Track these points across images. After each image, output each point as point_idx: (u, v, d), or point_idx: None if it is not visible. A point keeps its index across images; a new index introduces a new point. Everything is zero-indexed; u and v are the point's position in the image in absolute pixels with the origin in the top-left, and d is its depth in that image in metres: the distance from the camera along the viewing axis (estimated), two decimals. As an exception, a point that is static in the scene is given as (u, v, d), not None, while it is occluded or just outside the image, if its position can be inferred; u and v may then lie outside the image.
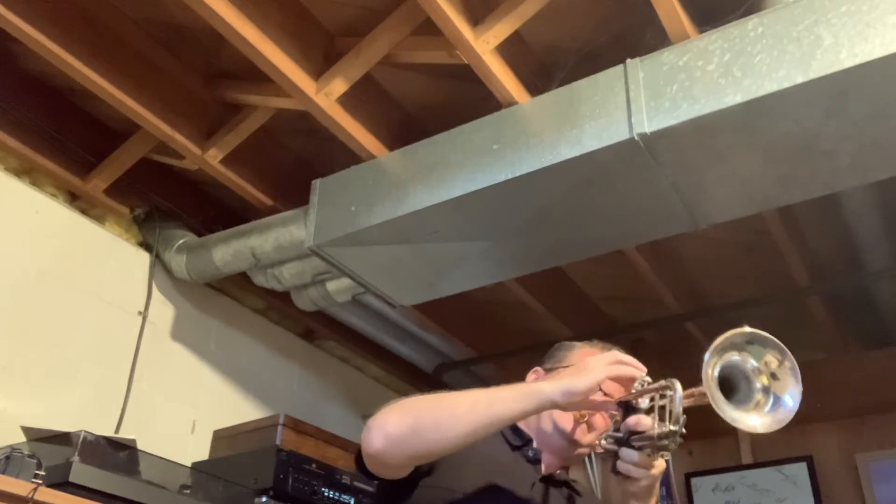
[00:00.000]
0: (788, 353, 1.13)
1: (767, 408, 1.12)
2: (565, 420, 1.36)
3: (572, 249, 2.20)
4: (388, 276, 2.29)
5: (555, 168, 1.80)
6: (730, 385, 1.13)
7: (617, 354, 1.23)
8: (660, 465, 1.19)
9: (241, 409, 2.68)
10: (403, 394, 3.79)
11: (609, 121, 1.75)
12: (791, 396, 1.12)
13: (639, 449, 1.17)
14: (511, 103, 1.97)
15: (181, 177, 2.58)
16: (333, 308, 2.70)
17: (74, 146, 2.33)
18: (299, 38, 1.94)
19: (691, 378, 1.13)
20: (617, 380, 1.21)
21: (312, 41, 1.98)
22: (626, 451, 1.18)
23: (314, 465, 2.30)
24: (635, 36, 1.86)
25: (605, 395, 1.24)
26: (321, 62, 1.99)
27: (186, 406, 2.52)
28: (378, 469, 1.24)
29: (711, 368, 1.10)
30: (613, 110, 1.75)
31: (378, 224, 2.04)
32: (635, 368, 1.20)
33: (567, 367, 1.39)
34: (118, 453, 1.84)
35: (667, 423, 1.11)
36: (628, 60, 1.79)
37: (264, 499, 2.07)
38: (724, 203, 1.92)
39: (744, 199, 1.91)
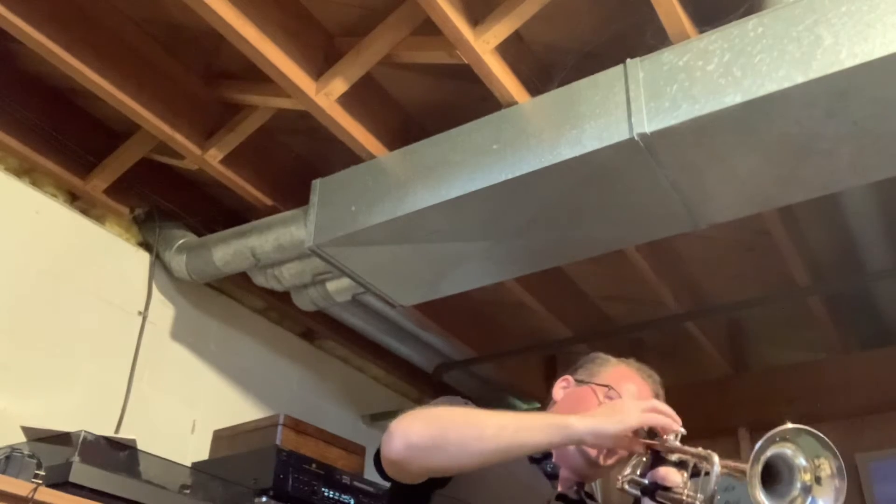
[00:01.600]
0: (843, 467, 1.12)
1: None
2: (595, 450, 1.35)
3: (572, 249, 2.20)
4: (388, 276, 2.29)
5: (555, 168, 1.80)
6: (771, 473, 1.10)
7: (655, 403, 1.21)
8: None
9: (241, 409, 2.68)
10: (403, 394, 3.81)
11: (609, 121, 1.75)
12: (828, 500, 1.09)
13: (655, 500, 1.15)
14: (511, 103, 1.97)
15: (181, 177, 2.57)
16: (333, 308, 2.70)
17: (74, 146, 2.33)
18: (299, 38, 1.94)
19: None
20: (650, 428, 1.19)
21: (312, 41, 1.98)
22: (646, 501, 1.17)
23: (314, 465, 2.30)
24: (635, 36, 1.86)
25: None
26: (321, 62, 1.99)
27: (186, 406, 2.52)
28: (395, 473, 1.23)
29: (762, 454, 1.07)
30: (613, 110, 1.75)
31: (378, 224, 2.03)
32: (672, 421, 1.18)
33: (600, 385, 1.39)
34: (118, 453, 1.84)
35: (697, 495, 1.10)
36: (628, 60, 1.79)
37: (264, 499, 2.07)
38: (724, 203, 1.92)
39: (744, 199, 1.90)
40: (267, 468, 2.16)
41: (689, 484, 1.13)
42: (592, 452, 1.33)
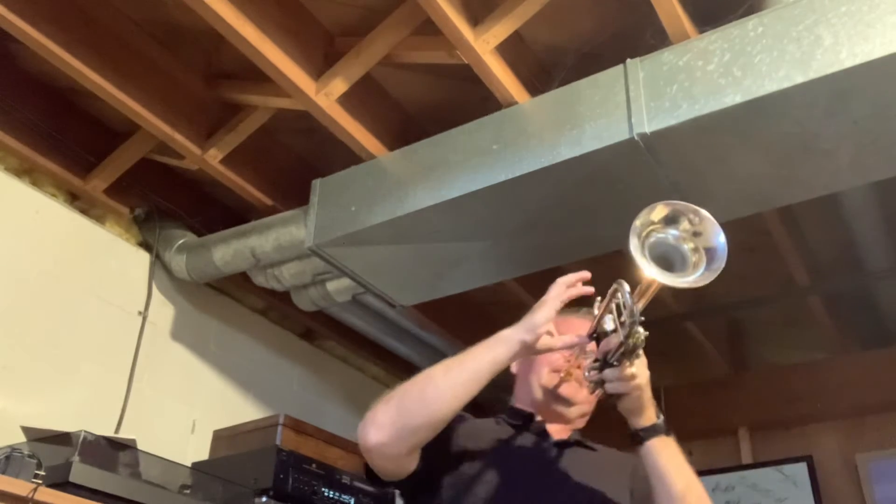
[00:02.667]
0: (699, 209, 1.15)
1: (706, 261, 1.13)
2: (552, 380, 1.40)
3: (572, 249, 2.20)
4: (388, 276, 2.29)
5: (555, 168, 1.80)
6: (667, 261, 1.16)
7: (562, 279, 1.27)
8: (642, 373, 1.20)
9: (241, 409, 2.68)
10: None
11: (609, 121, 1.75)
12: (717, 239, 1.13)
13: (615, 365, 1.19)
14: (511, 103, 1.97)
15: (181, 177, 2.58)
16: (333, 308, 2.69)
17: (74, 146, 2.33)
18: (299, 38, 1.94)
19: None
20: (574, 297, 1.25)
21: (312, 41, 1.98)
22: (607, 372, 1.20)
23: (314, 465, 2.30)
24: (635, 36, 1.86)
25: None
26: (321, 62, 1.99)
27: (186, 406, 2.52)
28: (385, 463, 1.26)
29: (641, 254, 1.14)
30: (613, 110, 1.76)
31: (378, 224, 2.04)
32: (583, 287, 1.25)
33: None
34: (118, 453, 1.84)
35: (626, 323, 1.14)
36: (628, 60, 1.79)
37: (264, 499, 2.07)
38: (724, 203, 1.92)
39: (744, 199, 1.91)
40: (267, 468, 2.16)
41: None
42: (553, 384, 1.39)
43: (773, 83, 1.56)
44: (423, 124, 2.24)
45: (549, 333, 1.25)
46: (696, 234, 1.15)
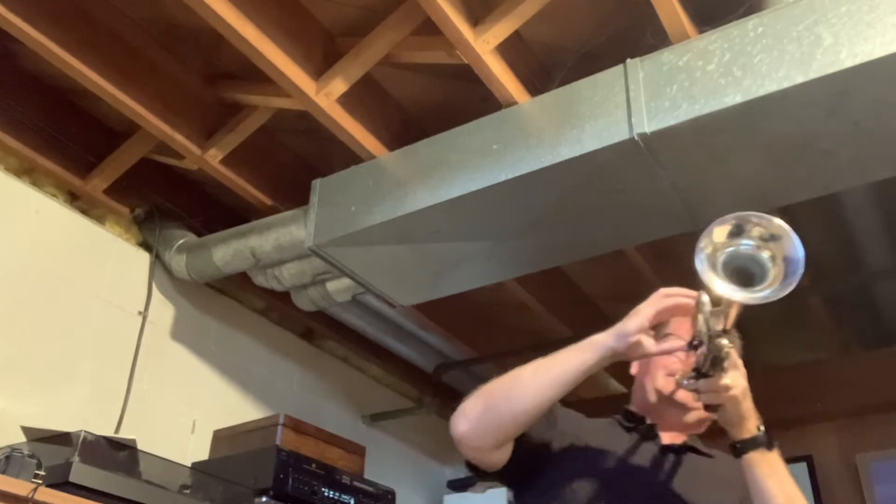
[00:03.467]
0: (763, 214, 1.12)
1: (784, 272, 1.09)
2: (667, 385, 1.38)
3: (572, 249, 2.20)
4: (388, 276, 2.29)
5: (555, 168, 1.80)
6: (746, 274, 1.12)
7: (662, 290, 1.24)
8: (737, 384, 1.17)
9: (241, 409, 2.68)
10: (403, 394, 3.82)
11: (609, 121, 1.75)
12: (795, 247, 1.09)
13: (709, 375, 1.17)
14: (511, 103, 1.97)
15: (181, 177, 2.57)
16: (333, 308, 2.70)
17: (74, 146, 2.33)
18: (299, 38, 1.94)
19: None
20: (672, 313, 1.22)
21: (312, 41, 1.98)
22: (700, 382, 1.18)
23: (314, 465, 2.30)
24: (635, 36, 1.86)
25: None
26: (321, 62, 1.99)
27: (186, 406, 2.52)
28: (474, 455, 1.30)
29: (712, 272, 1.10)
30: (613, 110, 1.75)
31: (378, 224, 2.03)
32: (683, 297, 1.20)
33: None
34: (118, 453, 1.84)
35: (706, 340, 1.12)
36: (628, 60, 1.79)
37: (264, 499, 2.07)
38: (724, 203, 1.91)
39: (744, 199, 1.90)
40: (267, 468, 2.16)
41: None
42: (670, 389, 1.36)
43: (773, 83, 1.56)
44: (423, 124, 2.24)
45: (652, 337, 1.23)
46: (772, 238, 1.12)
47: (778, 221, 1.11)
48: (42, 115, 2.25)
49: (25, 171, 2.28)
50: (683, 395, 1.36)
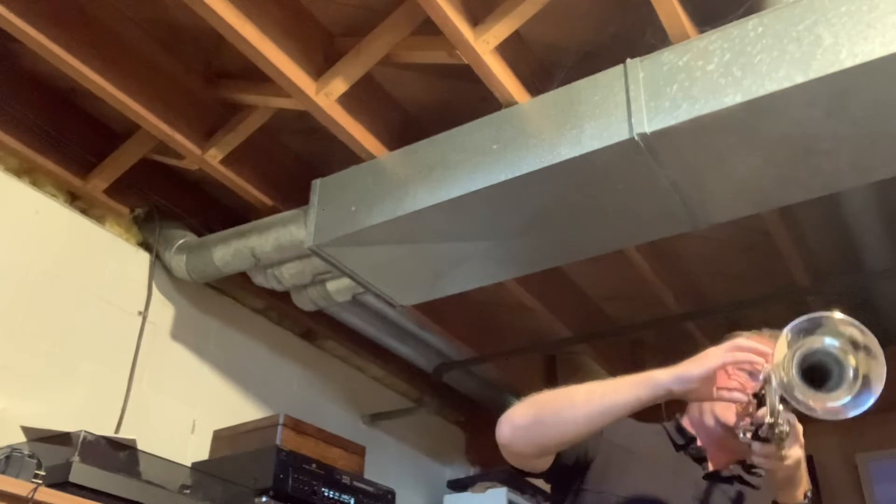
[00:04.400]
0: (866, 329, 1.08)
1: (860, 389, 1.05)
2: (728, 413, 1.36)
3: (572, 249, 2.20)
4: (388, 276, 2.29)
5: (555, 168, 1.80)
6: (821, 371, 1.08)
7: (738, 341, 1.22)
8: (793, 455, 1.16)
9: (241, 409, 2.68)
10: (403, 394, 3.82)
11: (609, 121, 1.75)
12: (882, 373, 1.05)
13: (764, 440, 1.15)
14: (511, 103, 1.97)
15: (181, 177, 2.57)
16: (333, 308, 2.69)
17: (74, 146, 2.33)
18: (299, 38, 1.94)
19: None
20: (740, 368, 1.22)
21: (312, 41, 1.98)
22: (754, 445, 1.17)
23: (314, 465, 2.30)
24: (635, 36, 1.86)
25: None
26: (321, 62, 1.99)
27: (186, 406, 2.52)
28: (515, 460, 1.32)
29: (791, 363, 1.07)
30: (613, 110, 1.75)
31: (378, 224, 2.03)
32: (754, 354, 1.18)
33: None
34: (118, 453, 1.84)
35: (768, 415, 1.10)
36: (628, 60, 1.79)
37: (264, 499, 2.07)
38: (724, 203, 1.92)
39: (744, 199, 1.90)
40: (267, 468, 2.16)
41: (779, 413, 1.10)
42: (731, 420, 1.33)
43: (773, 83, 1.56)
44: (423, 124, 2.24)
45: (710, 386, 1.21)
46: (867, 350, 1.07)
47: (875, 339, 1.07)
48: (42, 115, 2.25)
49: (25, 171, 2.28)
50: (736, 422, 1.34)
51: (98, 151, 2.38)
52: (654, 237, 2.15)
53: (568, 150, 1.78)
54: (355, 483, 2.42)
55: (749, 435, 1.19)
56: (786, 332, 1.09)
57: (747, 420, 1.23)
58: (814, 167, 1.76)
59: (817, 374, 1.09)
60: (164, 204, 2.56)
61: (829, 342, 1.09)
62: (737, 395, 1.23)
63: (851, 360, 1.07)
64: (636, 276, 2.74)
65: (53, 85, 2.24)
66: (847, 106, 1.57)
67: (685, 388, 1.18)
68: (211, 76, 2.23)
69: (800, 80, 1.53)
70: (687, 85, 1.67)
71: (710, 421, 1.39)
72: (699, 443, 1.41)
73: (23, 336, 2.13)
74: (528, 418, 1.27)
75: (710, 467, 1.38)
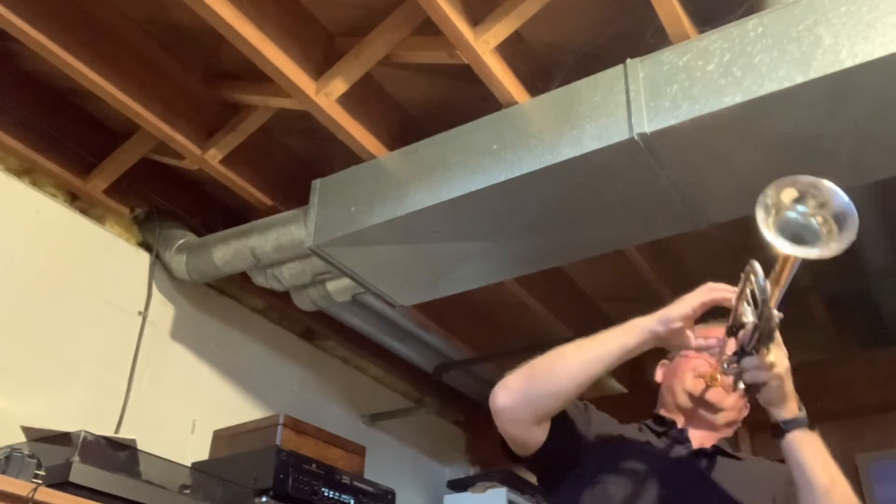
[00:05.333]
0: (817, 179, 1.11)
1: (838, 229, 1.08)
2: (696, 386, 1.39)
3: (572, 249, 2.20)
4: (388, 276, 2.29)
5: (555, 168, 1.80)
6: (798, 239, 1.11)
7: (710, 284, 1.26)
8: (781, 362, 1.19)
9: (241, 409, 2.68)
10: (403, 394, 3.81)
11: (609, 121, 1.75)
12: (839, 200, 1.08)
13: (754, 352, 1.16)
14: (511, 103, 1.97)
15: (181, 177, 2.57)
16: (333, 308, 2.69)
17: (74, 146, 2.33)
18: (299, 38, 1.94)
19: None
20: (714, 305, 1.23)
21: (312, 41, 1.98)
22: (745, 361, 1.18)
23: (314, 465, 2.29)
24: (635, 36, 1.86)
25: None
26: (321, 62, 1.99)
27: (186, 406, 2.52)
28: (511, 428, 1.32)
29: (772, 232, 1.09)
30: (613, 110, 1.75)
31: (378, 224, 2.03)
32: (727, 292, 1.22)
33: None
34: (118, 453, 1.84)
35: (759, 305, 1.11)
36: (628, 60, 1.79)
37: (264, 499, 2.07)
38: (724, 203, 1.92)
39: (744, 199, 1.89)
40: (267, 468, 2.16)
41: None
42: (699, 390, 1.37)
43: (773, 83, 1.56)
44: (423, 124, 2.24)
45: (689, 332, 1.24)
46: (822, 206, 1.10)
47: (827, 185, 1.10)
48: (42, 115, 2.25)
49: (25, 171, 2.28)
50: (714, 395, 1.38)
51: (98, 151, 2.38)
52: (654, 237, 2.15)
53: (568, 150, 1.79)
54: (355, 483, 2.41)
55: (735, 364, 1.21)
56: (761, 211, 1.11)
57: (728, 356, 1.26)
58: (814, 167, 1.75)
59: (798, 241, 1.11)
60: (164, 204, 2.56)
61: (791, 215, 1.12)
62: (713, 341, 1.28)
63: (818, 219, 1.10)
64: (636, 276, 2.74)
65: (53, 85, 2.24)
66: (847, 106, 1.57)
67: (668, 328, 1.22)
68: (211, 76, 2.23)
69: (800, 80, 1.53)
70: (687, 85, 1.67)
71: (682, 399, 1.42)
72: (680, 425, 1.43)
73: (23, 336, 2.13)
74: (521, 381, 1.29)
75: (694, 446, 1.40)
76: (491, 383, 1.32)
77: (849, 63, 1.49)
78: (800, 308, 2.89)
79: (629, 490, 1.31)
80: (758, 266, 1.13)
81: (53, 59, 1.91)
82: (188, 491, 1.93)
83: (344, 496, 2.35)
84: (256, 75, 1.99)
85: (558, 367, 1.27)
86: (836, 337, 3.06)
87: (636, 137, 1.69)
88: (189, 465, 2.22)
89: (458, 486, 3.32)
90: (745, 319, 1.17)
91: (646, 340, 1.24)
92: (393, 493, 2.56)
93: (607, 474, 1.33)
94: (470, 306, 3.10)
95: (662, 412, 1.47)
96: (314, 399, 3.03)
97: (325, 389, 3.12)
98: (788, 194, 1.12)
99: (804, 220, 1.11)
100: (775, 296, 1.13)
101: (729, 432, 1.44)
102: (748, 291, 1.16)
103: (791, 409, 1.21)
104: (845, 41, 1.51)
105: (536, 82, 2.02)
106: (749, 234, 2.57)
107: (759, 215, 1.11)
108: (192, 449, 2.46)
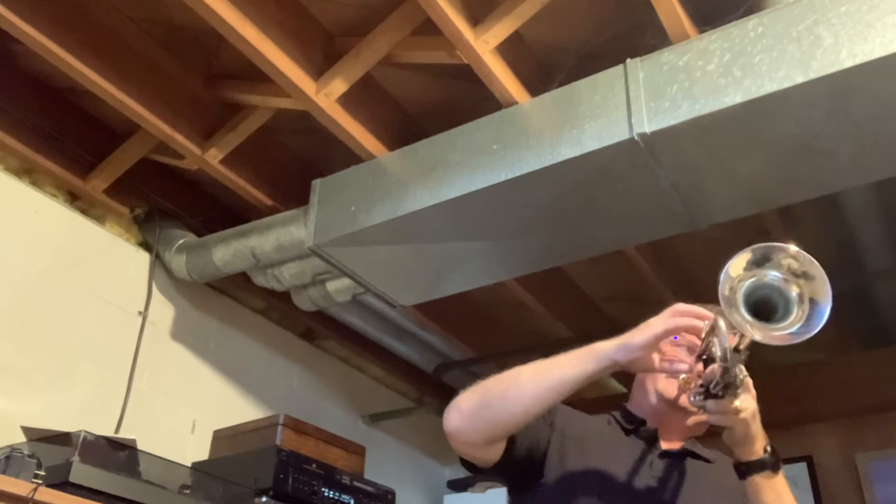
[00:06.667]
0: (799, 250, 1.09)
1: (809, 313, 1.07)
2: (669, 389, 1.36)
3: (572, 249, 2.20)
4: (388, 276, 2.29)
5: (555, 168, 1.80)
6: (768, 305, 1.08)
7: (678, 306, 1.20)
8: (747, 406, 1.14)
9: (241, 409, 2.68)
10: (403, 394, 3.82)
11: (609, 121, 1.75)
12: (827, 293, 1.08)
13: (719, 396, 1.13)
14: (511, 103, 1.97)
15: (181, 177, 2.57)
16: (333, 308, 2.69)
17: (74, 146, 2.33)
18: (299, 38, 1.94)
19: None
20: (683, 331, 1.19)
21: (312, 41, 1.98)
22: (708, 403, 1.15)
23: (314, 465, 2.30)
24: (635, 36, 1.86)
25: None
26: (321, 62, 1.99)
27: (186, 406, 2.52)
28: (464, 449, 1.28)
29: (732, 308, 1.06)
30: (613, 110, 1.75)
31: (378, 224, 2.03)
32: (695, 318, 1.16)
33: None
34: (118, 453, 1.84)
35: (726, 359, 1.08)
36: (628, 60, 1.79)
37: (264, 499, 2.07)
38: (724, 203, 1.92)
39: (744, 199, 1.90)
40: (267, 468, 2.16)
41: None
42: (673, 394, 1.33)
43: (773, 83, 1.56)
44: (423, 124, 2.24)
45: (658, 351, 1.20)
46: (805, 276, 1.09)
47: (814, 261, 1.09)
48: (42, 115, 2.25)
49: (25, 171, 2.28)
50: (686, 401, 1.33)
51: (98, 151, 2.38)
52: (654, 237, 2.15)
53: (568, 150, 1.79)
54: (355, 483, 2.42)
55: (701, 397, 1.17)
56: (723, 282, 1.08)
57: (695, 385, 1.22)
58: (814, 167, 1.76)
59: (764, 308, 1.08)
60: (164, 204, 2.56)
61: (772, 275, 1.09)
62: (679, 365, 1.22)
63: (794, 288, 1.09)
64: (636, 276, 2.74)
65: (53, 85, 2.24)
66: (847, 106, 1.57)
67: (629, 357, 1.17)
68: (211, 76, 2.23)
69: (800, 80, 1.53)
70: (687, 85, 1.67)
71: (653, 399, 1.39)
72: (650, 424, 1.40)
73: (23, 336, 2.13)
74: (474, 403, 1.24)
75: (663, 446, 1.37)
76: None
77: (849, 63, 1.49)
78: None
79: (595, 497, 1.28)
80: (722, 326, 1.09)
81: (53, 59, 1.91)
82: (188, 491, 1.93)
83: (344, 496, 2.35)
84: (256, 75, 1.99)
85: (513, 392, 1.22)
86: (836, 337, 3.06)
87: (636, 137, 1.69)
88: (189, 465, 2.22)
89: (458, 486, 3.32)
90: (714, 350, 1.13)
91: (605, 368, 1.19)
92: (393, 493, 2.56)
93: (572, 480, 1.30)
94: (470, 306, 3.10)
95: (632, 408, 1.44)
96: (314, 399, 3.03)
97: (325, 389, 3.12)
98: (785, 257, 1.10)
99: (779, 285, 1.09)
100: (747, 341, 1.10)
101: (700, 431, 1.41)
102: (716, 340, 1.12)
103: (755, 450, 1.18)
104: (845, 41, 1.51)
105: (536, 82, 2.02)
106: (751, 233, 2.58)
107: (723, 283, 1.07)
108: (192, 449, 2.46)
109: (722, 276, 1.08)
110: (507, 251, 2.17)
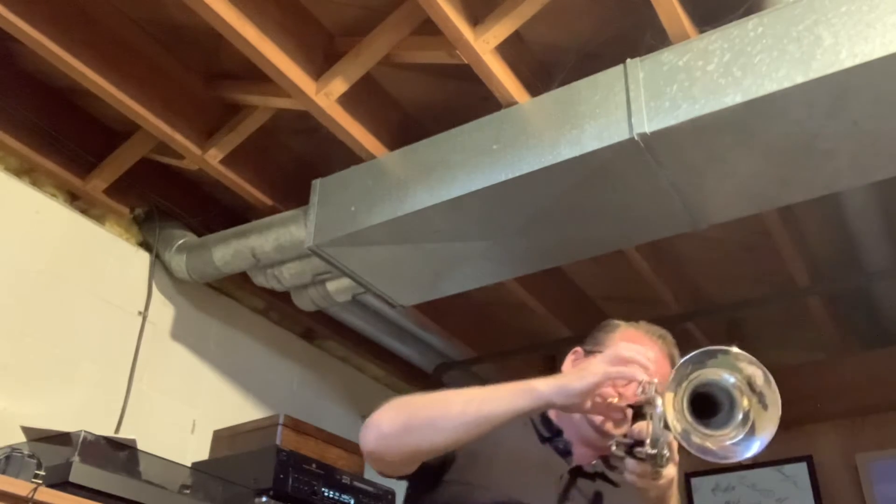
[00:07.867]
0: (769, 376, 1.07)
1: (744, 434, 1.05)
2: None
3: (572, 249, 2.20)
4: (388, 276, 2.29)
5: (555, 168, 1.80)
6: (711, 403, 1.07)
7: (621, 351, 1.16)
8: (667, 474, 1.12)
9: (241, 409, 2.68)
10: (403, 394, 3.79)
11: (609, 121, 1.75)
12: (773, 426, 1.06)
13: (640, 459, 1.10)
14: (511, 103, 1.97)
15: (181, 177, 2.58)
16: (333, 308, 2.70)
17: (74, 146, 2.33)
18: (299, 38, 1.94)
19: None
20: (624, 379, 1.15)
21: (312, 41, 1.98)
22: (628, 462, 1.13)
23: (314, 465, 2.29)
24: (635, 36, 1.86)
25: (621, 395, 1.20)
26: (321, 62, 1.99)
27: (186, 406, 2.52)
28: (379, 466, 1.25)
29: (682, 393, 1.04)
30: (613, 110, 1.75)
31: (378, 224, 2.03)
32: (638, 369, 1.13)
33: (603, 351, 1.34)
34: (118, 453, 1.84)
35: (649, 444, 1.07)
36: (628, 60, 1.79)
37: (264, 499, 2.07)
38: (724, 203, 1.92)
39: (744, 199, 1.91)
40: (267, 468, 2.16)
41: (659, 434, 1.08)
42: (598, 418, 1.29)
43: (773, 83, 1.56)
44: (423, 124, 2.24)
45: (599, 396, 1.17)
46: (761, 397, 1.07)
47: (775, 392, 1.08)
48: (42, 115, 2.25)
49: (25, 171, 2.28)
50: (610, 426, 1.29)
51: (98, 151, 2.38)
52: (654, 237, 2.15)
53: (568, 150, 1.79)
54: (355, 483, 2.41)
55: (623, 450, 1.14)
56: (680, 363, 1.07)
57: (621, 431, 1.20)
58: (814, 167, 1.76)
59: (706, 405, 1.07)
60: (164, 204, 2.56)
61: (726, 377, 1.09)
62: (615, 414, 1.20)
63: (745, 402, 1.07)
64: (636, 276, 2.74)
65: (53, 85, 2.24)
66: (847, 106, 1.57)
67: (566, 401, 1.14)
68: (211, 76, 2.23)
69: (800, 80, 1.53)
70: (687, 85, 1.67)
71: (576, 416, 1.33)
72: (565, 435, 1.36)
73: (23, 336, 2.13)
74: (397, 426, 1.18)
75: (575, 462, 1.33)
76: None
77: (849, 63, 1.49)
78: (800, 308, 2.90)
79: (497, 494, 1.24)
80: (660, 409, 1.07)
81: (53, 59, 1.91)
82: (188, 491, 1.93)
83: (344, 496, 2.35)
84: (256, 75, 1.99)
85: (439, 420, 1.16)
86: (836, 337, 3.06)
87: (636, 137, 1.69)
88: (189, 465, 2.22)
89: (458, 486, 3.31)
90: (646, 412, 1.11)
91: (540, 407, 1.16)
92: (393, 493, 2.55)
93: (478, 479, 1.26)
94: (470, 306, 3.10)
95: (553, 415, 1.39)
96: (314, 399, 3.03)
97: (325, 389, 3.12)
98: (751, 370, 1.08)
99: (731, 391, 1.08)
100: (673, 445, 1.08)
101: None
102: (649, 417, 1.09)
103: None
104: (845, 41, 1.51)
105: (536, 82, 2.02)
106: (749, 233, 2.58)
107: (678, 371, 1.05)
108: (192, 449, 2.46)
109: (685, 358, 1.08)
110: (507, 251, 2.17)
